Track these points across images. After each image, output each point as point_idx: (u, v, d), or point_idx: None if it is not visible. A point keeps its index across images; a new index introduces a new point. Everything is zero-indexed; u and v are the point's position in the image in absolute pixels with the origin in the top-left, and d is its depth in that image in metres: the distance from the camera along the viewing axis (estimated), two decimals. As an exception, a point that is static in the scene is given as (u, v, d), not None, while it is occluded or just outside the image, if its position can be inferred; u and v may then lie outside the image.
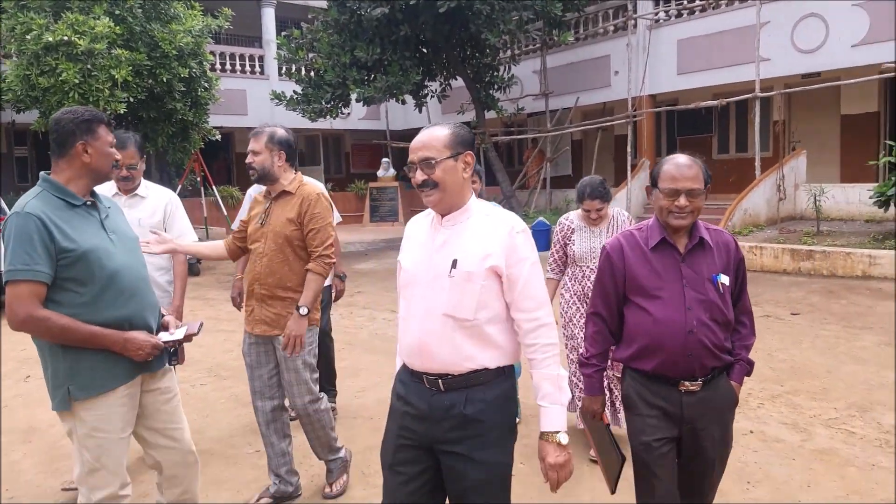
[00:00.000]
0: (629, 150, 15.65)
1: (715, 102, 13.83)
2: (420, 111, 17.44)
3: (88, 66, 11.18)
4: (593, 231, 4.37)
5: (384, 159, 21.53)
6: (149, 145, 13.84)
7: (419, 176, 2.25)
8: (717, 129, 17.50)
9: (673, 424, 2.58)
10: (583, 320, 4.27)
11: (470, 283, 2.21)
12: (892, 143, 11.04)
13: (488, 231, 2.25)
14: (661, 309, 2.55)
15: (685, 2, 15.30)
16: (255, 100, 19.86)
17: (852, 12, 12.54)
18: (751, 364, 2.70)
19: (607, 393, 4.40)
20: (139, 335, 2.65)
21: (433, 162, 2.22)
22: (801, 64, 13.43)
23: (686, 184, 2.50)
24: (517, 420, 4.24)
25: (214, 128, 14.84)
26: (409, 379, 2.34)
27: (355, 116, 20.14)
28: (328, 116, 16.03)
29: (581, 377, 2.87)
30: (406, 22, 14.14)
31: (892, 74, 11.55)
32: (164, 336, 2.78)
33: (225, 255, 3.78)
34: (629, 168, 15.60)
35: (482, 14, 13.84)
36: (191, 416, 5.11)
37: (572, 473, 2.27)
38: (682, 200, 2.50)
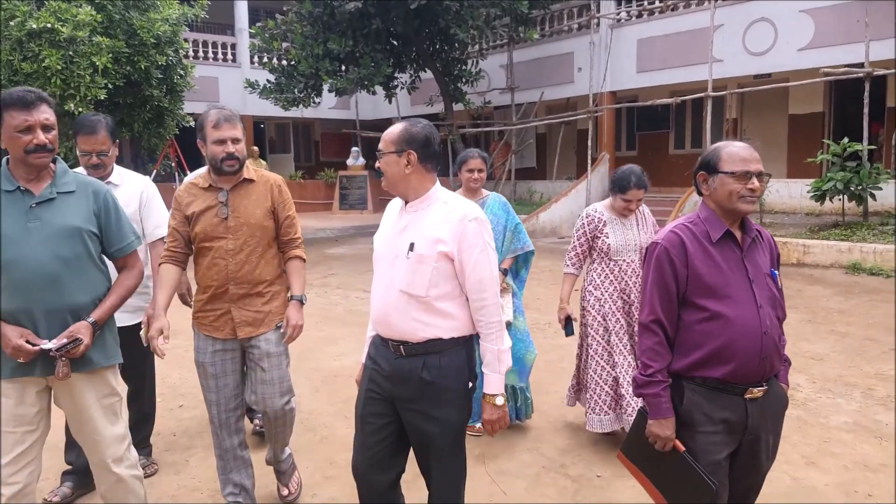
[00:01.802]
0: (589, 143, 16.37)
1: (670, 100, 14.61)
2: (390, 102, 17.99)
3: (70, 53, 11.49)
4: (624, 223, 4.18)
5: (354, 148, 21.96)
6: (125, 130, 14.20)
7: (377, 164, 2.60)
8: (674, 126, 18.39)
9: (734, 437, 2.44)
10: (619, 324, 4.12)
11: (422, 265, 2.47)
12: (828, 141, 11.90)
13: (443, 219, 2.50)
14: (734, 309, 2.37)
15: (645, 3, 16.09)
16: (227, 87, 20.25)
17: (799, 18, 13.40)
18: (789, 362, 2.61)
19: (610, 386, 4.18)
20: (8, 332, 2.53)
21: (380, 154, 2.56)
22: (752, 65, 14.27)
23: (757, 165, 2.40)
24: (529, 414, 4.56)
25: (188, 114, 15.21)
26: (380, 343, 2.65)
27: (325, 105, 20.57)
28: (300, 105, 16.50)
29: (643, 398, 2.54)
30: (378, 16, 14.65)
31: (832, 78, 12.42)
32: (46, 344, 2.56)
33: (180, 277, 3.40)
34: (589, 161, 16.32)
35: (451, 10, 14.42)
36: (193, 402, 5.32)
37: (507, 424, 2.62)
38: (756, 182, 2.38)
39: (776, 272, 2.49)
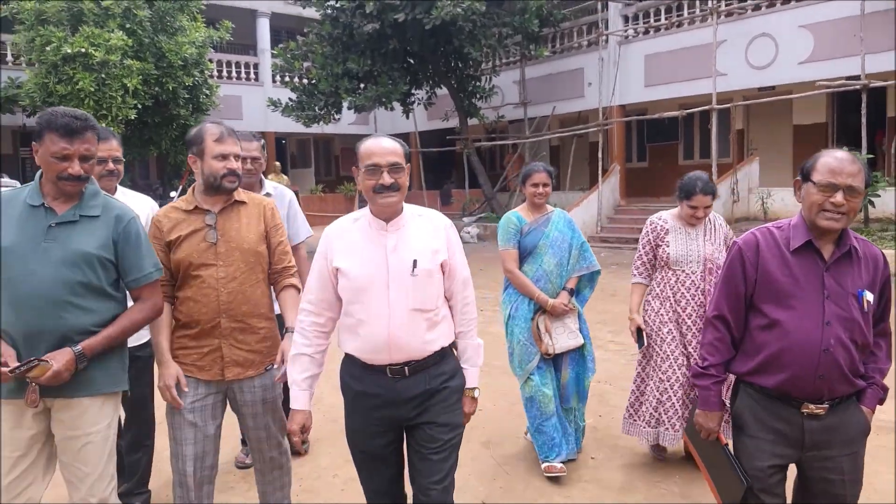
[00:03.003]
0: (600, 155, 16.85)
1: (676, 113, 15.08)
2: (407, 117, 18.68)
3: (103, 76, 12.25)
4: (689, 233, 4.00)
5: (372, 162, 22.56)
6: (153, 148, 14.96)
7: (388, 179, 2.42)
8: (683, 137, 18.85)
9: (791, 450, 2.39)
10: (671, 335, 3.97)
11: (431, 278, 2.50)
12: (827, 151, 12.31)
13: (430, 230, 2.55)
14: (796, 320, 2.31)
15: (651, 20, 16.61)
16: (250, 105, 21.01)
17: (799, 33, 13.83)
18: (885, 390, 2.45)
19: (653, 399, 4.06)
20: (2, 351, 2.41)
21: (402, 167, 2.47)
22: (755, 79, 14.72)
23: (846, 179, 2.23)
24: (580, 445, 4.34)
25: (213, 132, 15.93)
26: (364, 373, 2.54)
27: (345, 121, 21.26)
28: (321, 122, 17.18)
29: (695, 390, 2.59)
30: (395, 37, 15.33)
31: (831, 90, 12.84)
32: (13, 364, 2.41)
33: (172, 313, 3.01)
34: (600, 172, 16.79)
35: (465, 30, 15.00)
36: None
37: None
38: (839, 197, 2.23)
39: (864, 292, 2.33)
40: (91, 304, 2.54)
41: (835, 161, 2.27)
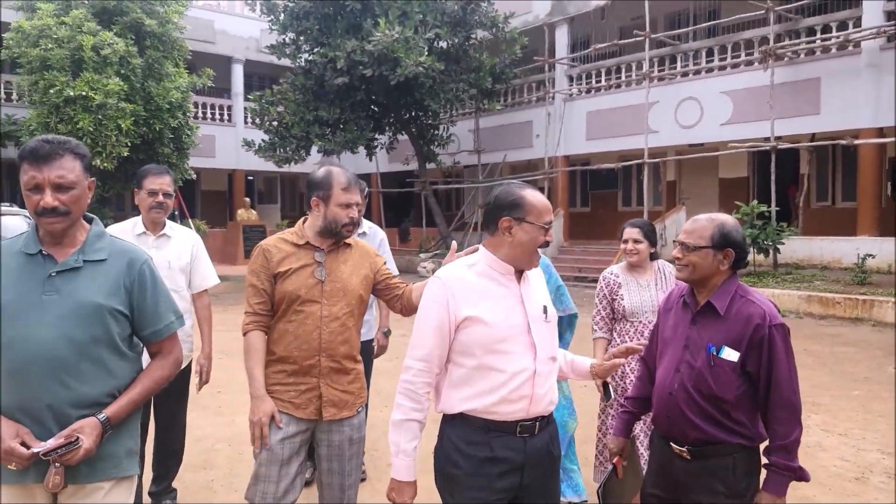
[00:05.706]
0: (546, 200, 18.54)
1: (614, 165, 16.91)
2: (370, 160, 20.20)
3: (99, 117, 13.47)
4: (640, 283, 4.08)
5: (336, 201, 23.95)
6: (134, 184, 16.02)
7: (549, 238, 2.31)
8: (622, 186, 20.77)
9: (666, 483, 2.50)
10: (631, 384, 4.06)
11: (555, 326, 2.40)
12: (739, 203, 14.17)
13: (541, 281, 2.48)
14: (660, 365, 2.54)
15: (593, 81, 18.60)
16: (223, 144, 22.35)
17: (720, 98, 15.83)
18: (792, 470, 2.30)
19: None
20: (2, 429, 2.01)
21: (550, 226, 2.34)
22: (683, 136, 16.67)
23: (680, 236, 2.49)
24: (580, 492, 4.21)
25: (191, 168, 17.19)
26: (488, 436, 2.25)
27: (311, 161, 22.56)
28: (291, 162, 18.60)
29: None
30: (362, 88, 16.93)
31: (745, 149, 14.76)
32: (47, 444, 2.00)
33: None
34: (546, 216, 18.44)
35: (426, 85, 16.69)
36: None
37: None
38: (676, 251, 2.48)
39: (714, 348, 2.37)
40: (103, 367, 2.14)
41: (689, 221, 2.55)
